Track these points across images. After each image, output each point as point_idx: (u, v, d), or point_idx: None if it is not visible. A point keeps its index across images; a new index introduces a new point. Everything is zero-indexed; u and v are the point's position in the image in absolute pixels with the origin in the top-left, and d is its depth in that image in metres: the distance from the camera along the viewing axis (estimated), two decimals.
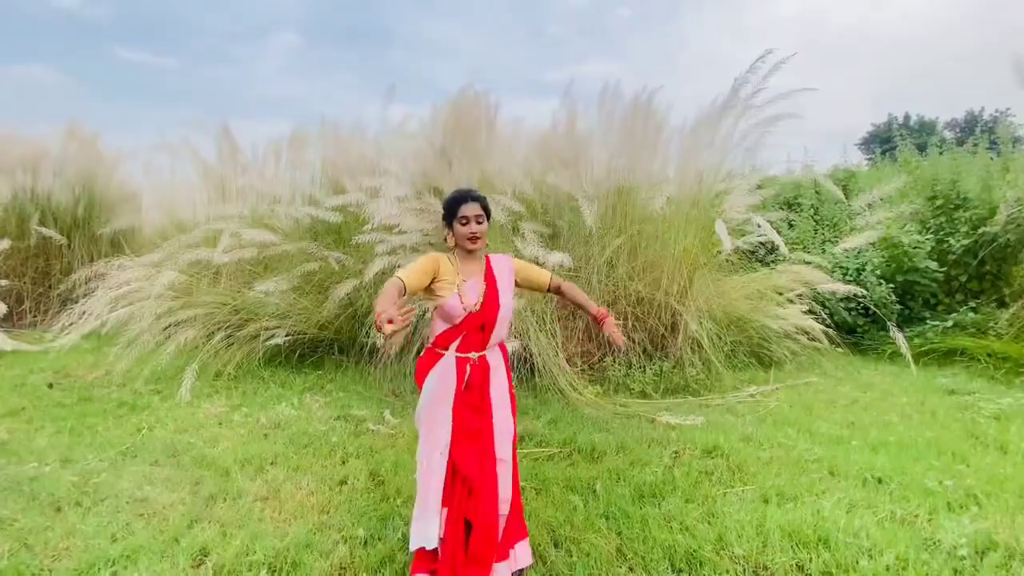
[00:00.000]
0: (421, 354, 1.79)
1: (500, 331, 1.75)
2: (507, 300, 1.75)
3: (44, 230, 6.42)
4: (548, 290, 1.88)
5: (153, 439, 2.92)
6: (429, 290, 1.70)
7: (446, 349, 1.70)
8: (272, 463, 2.60)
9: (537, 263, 3.91)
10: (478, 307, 1.69)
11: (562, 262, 3.75)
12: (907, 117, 28.81)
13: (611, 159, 4.61)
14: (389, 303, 1.47)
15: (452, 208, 1.73)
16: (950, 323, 5.37)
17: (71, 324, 3.98)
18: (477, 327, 1.70)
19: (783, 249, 4.07)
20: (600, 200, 4.48)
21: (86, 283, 4.61)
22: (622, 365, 4.21)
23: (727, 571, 1.74)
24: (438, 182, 4.30)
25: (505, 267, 1.80)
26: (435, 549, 1.64)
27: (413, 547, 1.64)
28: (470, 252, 1.74)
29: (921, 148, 7.90)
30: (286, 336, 4.42)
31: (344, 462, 2.64)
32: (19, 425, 3.16)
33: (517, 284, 1.83)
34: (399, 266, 3.98)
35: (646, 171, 4.54)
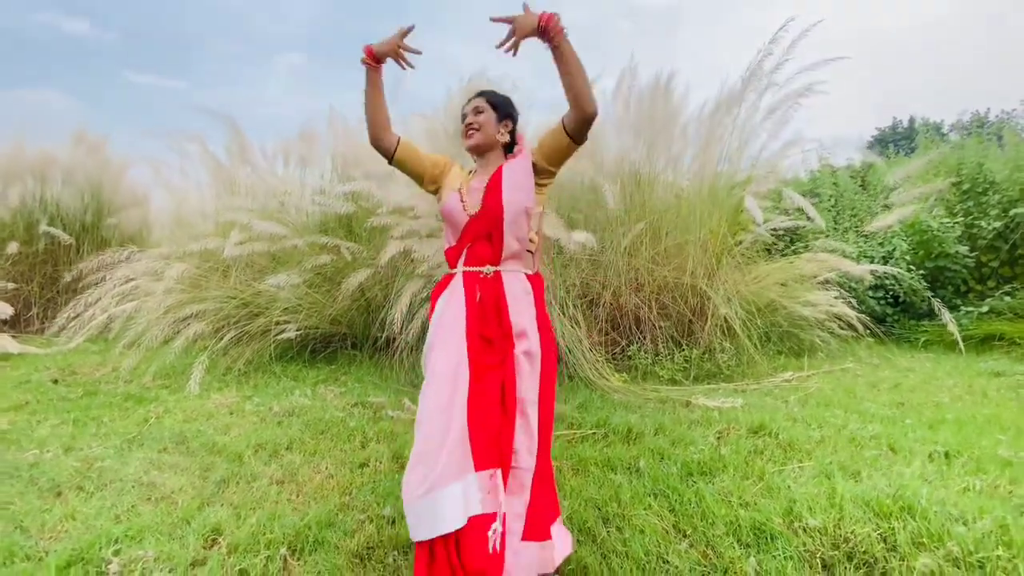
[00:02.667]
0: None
1: (513, 235, 1.43)
2: (515, 197, 1.43)
3: (52, 230, 6.35)
4: (568, 132, 1.41)
5: (161, 428, 2.75)
6: (435, 195, 1.59)
7: (455, 268, 1.49)
8: (288, 448, 2.43)
9: (557, 243, 3.75)
10: (477, 208, 1.45)
11: (585, 242, 3.59)
12: (912, 120, 28.67)
13: (628, 145, 4.47)
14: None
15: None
16: (985, 308, 5.15)
17: (76, 316, 3.84)
18: (484, 235, 1.45)
19: (820, 223, 3.89)
20: (619, 185, 4.34)
21: (95, 272, 4.48)
22: (649, 352, 4.02)
23: (802, 544, 1.54)
24: None
25: (520, 165, 1.49)
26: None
27: (423, 536, 1.23)
28: (480, 154, 1.54)
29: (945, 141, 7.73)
30: (297, 331, 4.27)
31: (364, 446, 2.46)
32: (22, 417, 3.01)
33: (543, 169, 1.48)
34: (414, 251, 3.84)
35: (664, 155, 4.39)
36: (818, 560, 1.48)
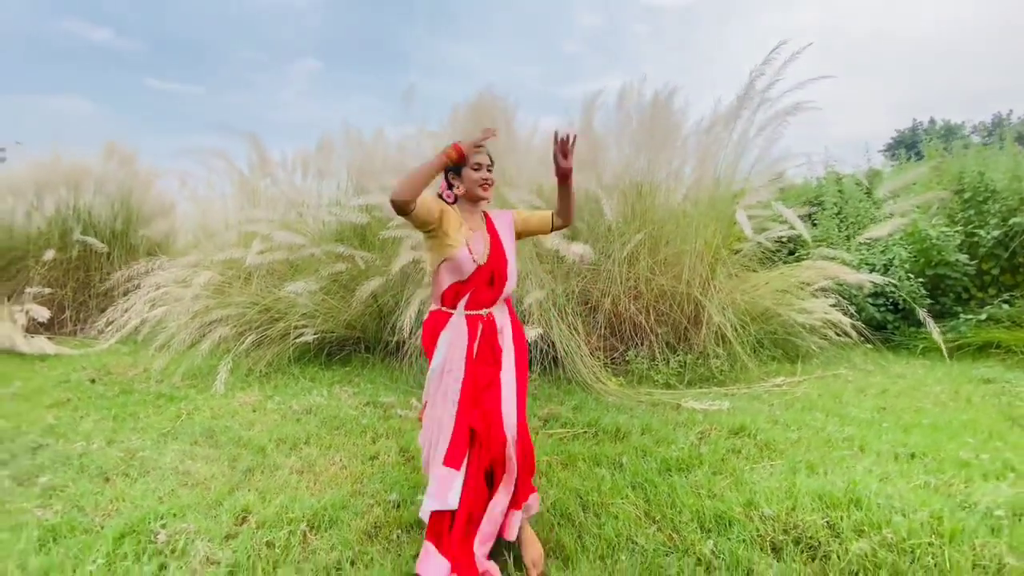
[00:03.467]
0: (426, 317, 1.74)
1: (510, 284, 1.71)
2: (512, 254, 1.72)
3: (87, 239, 6.75)
4: (554, 227, 1.83)
5: (192, 424, 3.03)
6: (431, 237, 1.62)
7: (454, 308, 1.66)
8: (306, 442, 2.68)
9: (558, 254, 3.97)
10: (484, 259, 1.64)
11: (583, 254, 3.80)
12: (932, 122, 28.27)
13: (629, 157, 4.68)
14: (432, 159, 1.58)
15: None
16: (984, 316, 5.23)
17: (112, 321, 4.16)
18: (486, 281, 1.66)
19: (805, 235, 4.06)
20: (619, 197, 4.55)
21: (126, 281, 4.82)
22: (645, 358, 4.21)
23: (756, 530, 1.73)
24: None
25: (505, 221, 1.77)
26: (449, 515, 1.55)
27: (431, 509, 1.55)
28: (476, 203, 1.69)
29: (948, 151, 7.78)
30: (314, 335, 4.55)
31: (374, 441, 2.70)
32: (65, 413, 3.31)
33: (519, 236, 1.81)
34: (423, 260, 4.09)
35: (665, 168, 4.59)
36: (768, 543, 1.68)
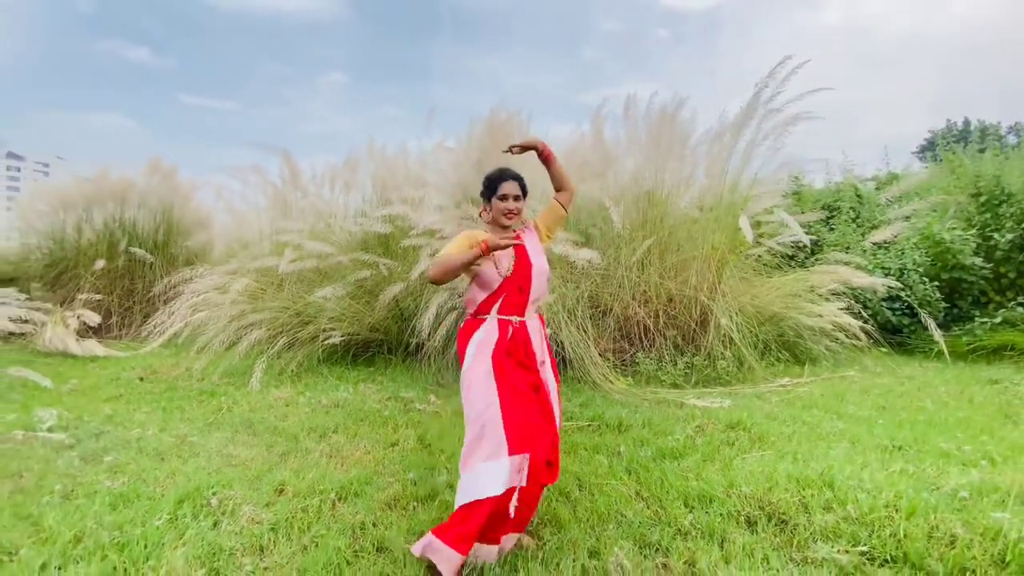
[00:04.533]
0: (462, 324, 1.87)
1: (538, 290, 1.82)
2: (539, 260, 1.85)
3: (136, 250, 7.26)
4: (564, 207, 1.97)
5: (232, 415, 3.34)
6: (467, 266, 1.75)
7: (487, 314, 1.79)
8: (334, 431, 2.96)
9: (567, 260, 4.19)
10: (510, 270, 1.79)
11: (591, 259, 4.01)
12: (967, 122, 27.47)
13: (639, 167, 4.89)
14: (468, 245, 1.69)
15: (492, 185, 1.86)
16: (999, 319, 5.23)
17: (160, 324, 4.54)
18: (515, 288, 1.78)
19: (804, 239, 4.19)
20: (630, 205, 4.75)
21: (171, 289, 5.23)
22: (653, 360, 4.38)
23: (734, 507, 1.92)
24: (474, 193, 4.68)
25: (530, 232, 1.92)
26: (492, 499, 1.58)
27: (470, 498, 1.60)
28: (504, 227, 1.85)
29: (983, 152, 7.72)
30: (341, 337, 4.86)
31: (395, 430, 2.96)
32: (120, 406, 3.67)
33: (549, 236, 1.96)
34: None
35: (673, 177, 4.77)
36: (743, 517, 1.86)
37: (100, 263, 7.29)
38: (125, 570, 1.56)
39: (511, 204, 1.83)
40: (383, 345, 5.22)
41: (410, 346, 4.86)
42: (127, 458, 2.58)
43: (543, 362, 1.83)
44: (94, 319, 6.49)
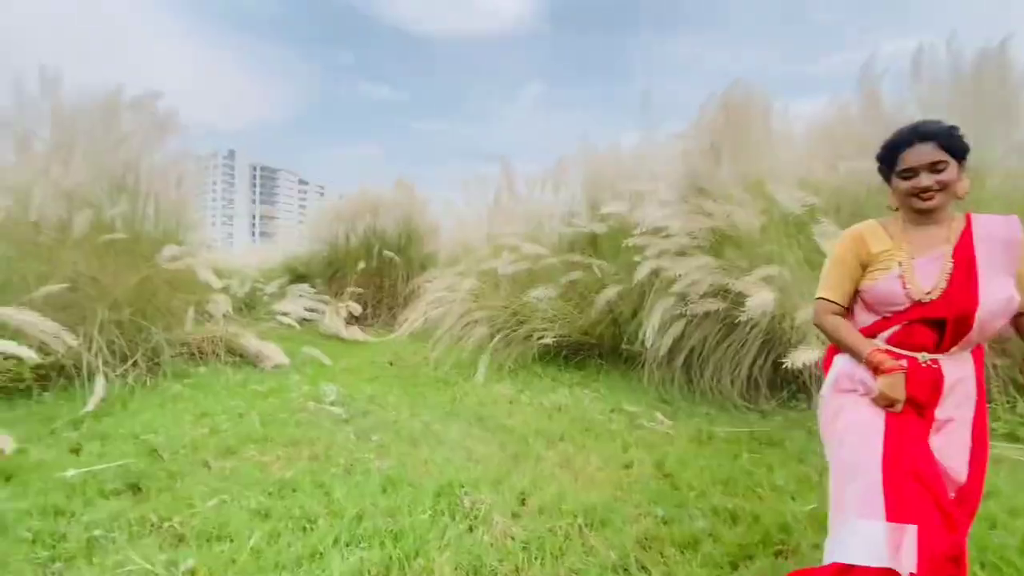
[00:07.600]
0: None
1: (980, 331, 1.18)
2: (998, 291, 1.16)
3: (389, 254, 8.66)
4: None
5: (464, 407, 3.57)
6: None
7: (872, 337, 1.27)
8: (561, 438, 2.89)
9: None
10: (936, 294, 1.18)
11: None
12: None
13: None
14: (863, 344, 1.23)
15: (889, 156, 1.27)
16: None
17: (407, 319, 5.19)
18: (932, 323, 1.20)
19: None
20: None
21: (417, 289, 5.97)
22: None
23: None
24: (704, 183, 4.19)
25: (1001, 237, 1.19)
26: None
27: (832, 560, 1.19)
28: (926, 216, 1.24)
29: None
30: (553, 338, 4.89)
31: (625, 450, 2.75)
32: (377, 388, 4.26)
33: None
34: (679, 277, 3.79)
35: (1003, 143, 3.48)
36: None
37: (361, 264, 8.85)
38: (400, 563, 1.64)
39: (922, 181, 1.20)
40: (595, 349, 5.09)
41: (624, 354, 4.63)
42: (387, 439, 2.89)
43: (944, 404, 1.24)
44: (357, 310, 7.89)
